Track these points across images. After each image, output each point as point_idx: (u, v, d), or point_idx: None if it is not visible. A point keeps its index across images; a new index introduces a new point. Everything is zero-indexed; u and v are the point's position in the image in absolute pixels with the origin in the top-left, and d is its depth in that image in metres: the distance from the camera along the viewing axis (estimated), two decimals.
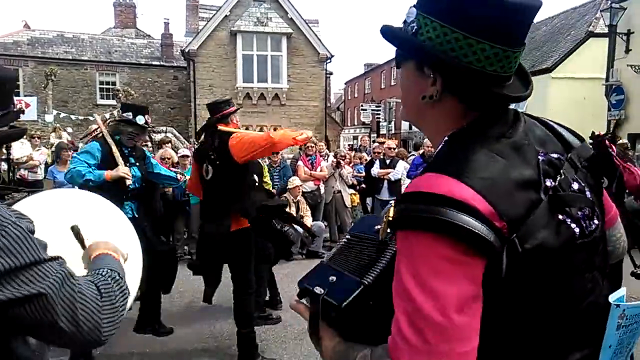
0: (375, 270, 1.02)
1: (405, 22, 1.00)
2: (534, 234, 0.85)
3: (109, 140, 4.01)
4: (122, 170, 3.91)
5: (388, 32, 1.02)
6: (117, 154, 3.96)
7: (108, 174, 3.83)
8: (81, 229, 1.55)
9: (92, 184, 3.67)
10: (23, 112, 13.73)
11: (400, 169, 8.23)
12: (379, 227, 1.10)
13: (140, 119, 4.11)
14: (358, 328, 1.00)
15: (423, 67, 0.97)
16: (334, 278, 1.07)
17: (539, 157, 0.94)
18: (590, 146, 1.05)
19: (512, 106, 1.03)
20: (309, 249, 7.80)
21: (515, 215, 0.84)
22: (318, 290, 1.05)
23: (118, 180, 3.89)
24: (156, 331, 4.45)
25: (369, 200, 8.91)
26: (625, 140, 8.11)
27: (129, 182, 3.95)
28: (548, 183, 0.91)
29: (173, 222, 7.44)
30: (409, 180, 8.33)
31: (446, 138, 0.98)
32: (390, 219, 0.92)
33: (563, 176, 0.94)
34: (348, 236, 1.22)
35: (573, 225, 0.91)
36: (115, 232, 2.19)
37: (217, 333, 4.60)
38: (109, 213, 2.29)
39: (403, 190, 7.51)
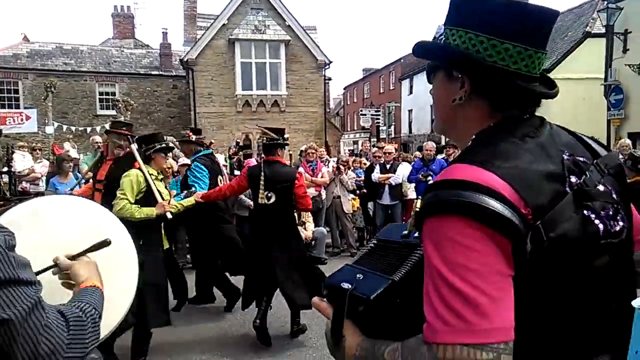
0: (405, 268, 1.02)
1: (434, 38, 1.12)
2: (558, 224, 0.87)
3: None
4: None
5: (419, 46, 1.11)
6: None
7: None
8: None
9: None
10: None
11: (401, 173, 8.23)
12: (406, 232, 1.13)
13: None
14: (383, 326, 0.98)
15: (452, 71, 1.05)
16: (361, 276, 1.06)
17: (564, 155, 0.97)
18: (618, 156, 1.07)
19: None
20: (311, 255, 7.79)
21: (540, 204, 0.87)
22: (345, 285, 1.04)
23: None
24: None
25: (370, 205, 8.89)
26: (627, 140, 8.10)
27: None
28: (573, 179, 0.94)
29: (174, 232, 7.43)
30: (411, 185, 8.38)
31: (473, 137, 1.02)
32: (418, 209, 0.94)
33: (588, 176, 0.96)
34: (374, 241, 1.22)
35: (597, 222, 0.92)
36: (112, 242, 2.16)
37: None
38: (106, 222, 2.26)
39: (405, 191, 7.45)
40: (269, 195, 4.46)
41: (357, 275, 1.07)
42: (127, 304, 2.10)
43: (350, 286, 1.02)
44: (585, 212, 0.91)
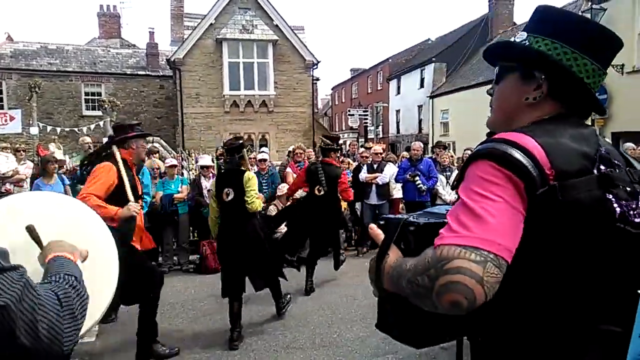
0: None
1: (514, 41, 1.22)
2: (576, 192, 0.98)
3: None
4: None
5: (506, 45, 1.24)
6: None
7: None
8: (37, 228, 1.48)
9: None
10: None
11: (388, 173, 8.24)
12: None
13: None
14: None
15: (533, 72, 1.16)
16: (415, 215, 1.28)
17: (601, 149, 1.09)
18: None
19: None
20: (299, 256, 7.78)
21: (565, 170, 1.00)
22: (402, 216, 1.27)
23: None
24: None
25: (358, 205, 8.89)
26: (608, 140, 8.21)
27: None
28: (602, 167, 1.04)
29: (161, 232, 7.38)
30: (398, 184, 8.39)
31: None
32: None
33: (617, 171, 1.07)
34: (420, 212, 1.41)
35: (615, 205, 1.02)
36: (85, 236, 2.12)
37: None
38: (81, 216, 2.22)
39: (392, 193, 7.58)
40: (320, 189, 5.90)
41: (412, 215, 1.29)
42: (107, 299, 2.06)
43: (406, 217, 1.25)
44: (607, 194, 1.01)
